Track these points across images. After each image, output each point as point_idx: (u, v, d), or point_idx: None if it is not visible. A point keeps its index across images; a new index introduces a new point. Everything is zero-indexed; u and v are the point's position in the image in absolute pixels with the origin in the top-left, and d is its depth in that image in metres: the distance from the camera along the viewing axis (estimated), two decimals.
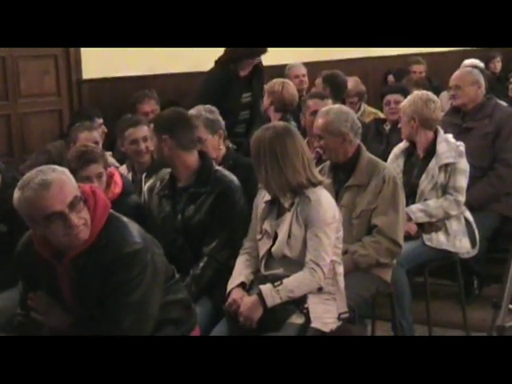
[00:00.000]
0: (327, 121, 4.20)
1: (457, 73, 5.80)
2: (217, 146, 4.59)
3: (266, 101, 6.08)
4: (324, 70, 7.28)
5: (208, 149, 4.42)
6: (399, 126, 4.98)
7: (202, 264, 3.87)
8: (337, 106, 4.56)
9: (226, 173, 4.05)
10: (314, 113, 4.79)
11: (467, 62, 7.84)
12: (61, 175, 2.98)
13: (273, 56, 7.58)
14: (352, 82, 6.84)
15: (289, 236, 3.60)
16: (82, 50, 7.14)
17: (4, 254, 3.63)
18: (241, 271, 3.75)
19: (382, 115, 6.60)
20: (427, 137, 4.83)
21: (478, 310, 5.01)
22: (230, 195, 3.94)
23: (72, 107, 7.16)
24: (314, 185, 3.64)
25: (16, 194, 2.96)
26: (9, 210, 3.06)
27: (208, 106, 4.70)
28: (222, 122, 4.67)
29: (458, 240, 4.73)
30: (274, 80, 6.32)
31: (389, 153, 5.09)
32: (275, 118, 5.91)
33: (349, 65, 8.46)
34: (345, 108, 4.42)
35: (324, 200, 3.62)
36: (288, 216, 3.63)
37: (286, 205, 3.64)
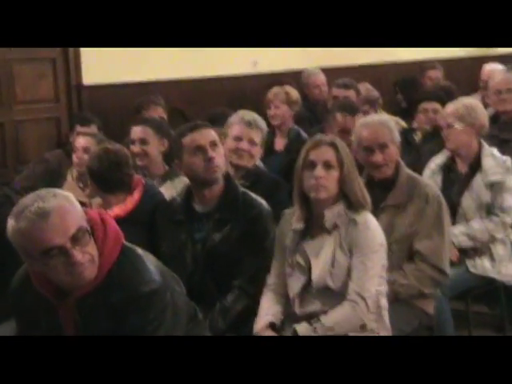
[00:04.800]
0: (389, 129, 3.84)
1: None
2: (258, 156, 4.37)
3: (287, 112, 5.92)
4: (334, 77, 6.89)
5: (255, 155, 4.26)
6: (443, 133, 4.50)
7: (231, 297, 3.47)
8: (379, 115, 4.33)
9: (254, 196, 3.64)
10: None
11: (488, 67, 7.41)
12: (63, 202, 2.52)
13: (283, 60, 7.25)
14: (361, 89, 6.45)
15: (332, 264, 3.20)
16: (82, 53, 6.88)
17: None
18: (268, 310, 3.35)
19: (402, 123, 6.18)
20: (473, 149, 4.40)
21: None
22: (261, 222, 3.54)
23: (71, 114, 6.86)
24: (362, 206, 3.26)
25: (9, 222, 2.51)
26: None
27: None
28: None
29: (504, 266, 4.34)
30: (276, 90, 6.08)
31: (419, 166, 4.65)
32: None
33: (360, 71, 8.10)
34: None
35: (372, 224, 3.25)
36: (329, 241, 3.24)
37: (328, 225, 3.22)
